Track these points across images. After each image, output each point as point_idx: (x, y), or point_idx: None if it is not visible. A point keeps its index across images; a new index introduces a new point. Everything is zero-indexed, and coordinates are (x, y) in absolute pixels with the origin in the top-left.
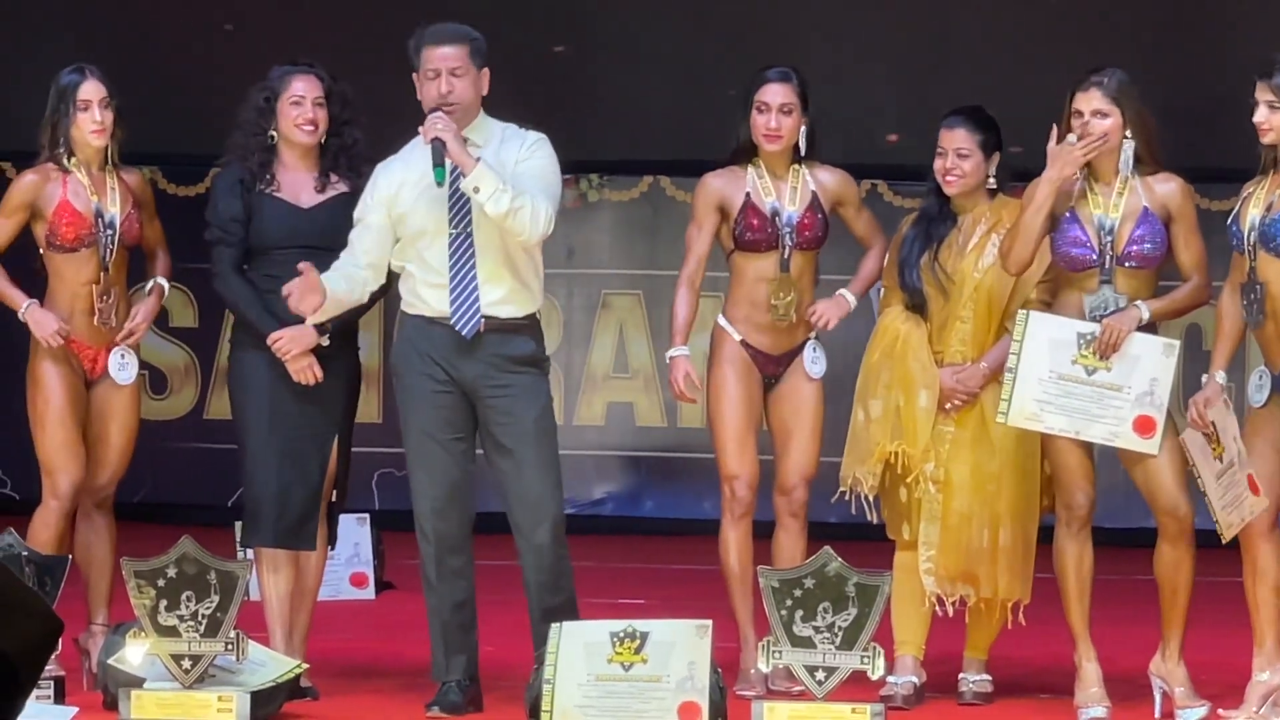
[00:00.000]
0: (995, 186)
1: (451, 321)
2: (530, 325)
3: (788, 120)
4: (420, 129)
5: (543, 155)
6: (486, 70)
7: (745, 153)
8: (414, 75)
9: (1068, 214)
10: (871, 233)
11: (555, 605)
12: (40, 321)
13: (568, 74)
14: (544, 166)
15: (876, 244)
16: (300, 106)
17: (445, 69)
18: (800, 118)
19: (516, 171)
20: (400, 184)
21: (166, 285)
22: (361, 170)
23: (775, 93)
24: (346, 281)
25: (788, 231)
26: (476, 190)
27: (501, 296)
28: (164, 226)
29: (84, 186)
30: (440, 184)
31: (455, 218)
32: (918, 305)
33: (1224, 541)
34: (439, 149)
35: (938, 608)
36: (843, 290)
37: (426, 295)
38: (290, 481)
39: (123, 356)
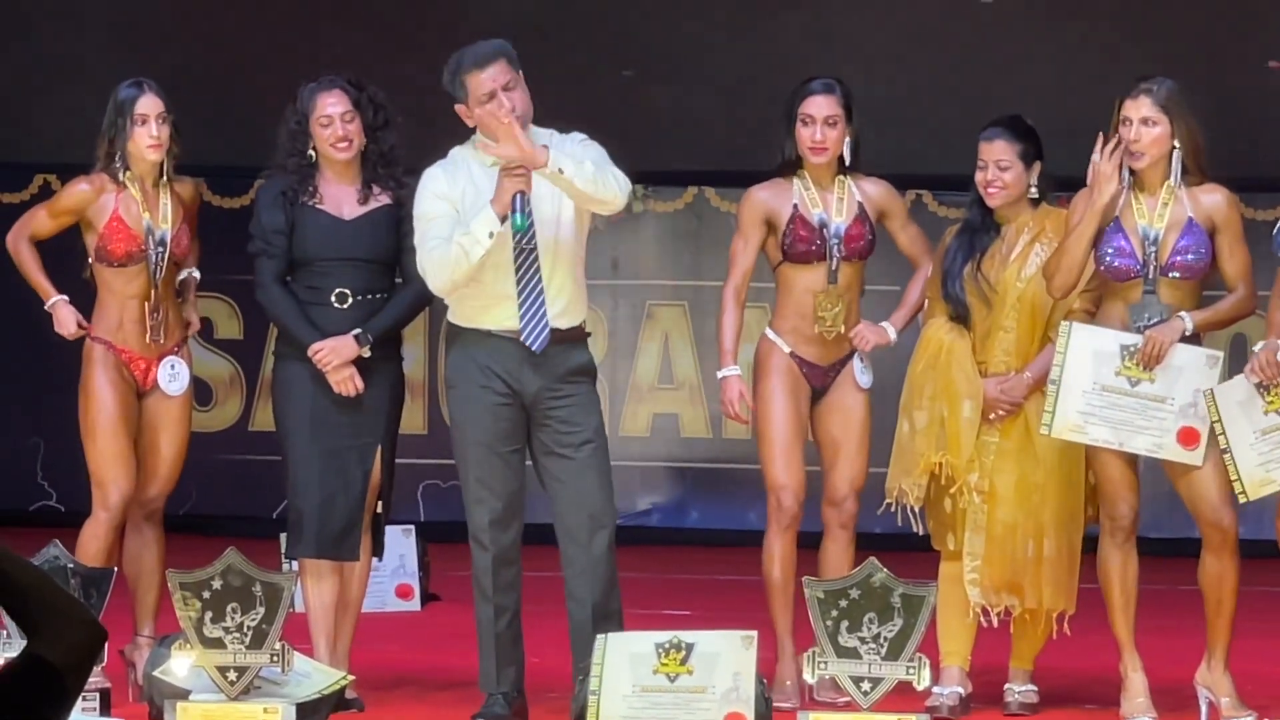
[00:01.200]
0: (1038, 196)
1: (522, 337)
2: (582, 334)
3: (832, 133)
4: (500, 170)
5: (594, 145)
6: (521, 74)
7: (791, 165)
8: (457, 108)
9: (1112, 224)
10: (918, 251)
11: (606, 615)
12: (63, 319)
13: (612, 86)
14: (600, 152)
15: (922, 265)
16: (330, 126)
17: (499, 88)
18: (845, 129)
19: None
20: (460, 195)
21: (197, 273)
22: (403, 180)
23: (819, 105)
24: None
25: (835, 243)
26: (560, 171)
27: (562, 308)
28: (209, 239)
29: (136, 202)
30: (519, 230)
31: (521, 232)
32: (961, 316)
33: (1245, 500)
34: (522, 200)
35: (982, 618)
36: (886, 323)
37: (490, 309)
38: (333, 492)
39: (173, 368)
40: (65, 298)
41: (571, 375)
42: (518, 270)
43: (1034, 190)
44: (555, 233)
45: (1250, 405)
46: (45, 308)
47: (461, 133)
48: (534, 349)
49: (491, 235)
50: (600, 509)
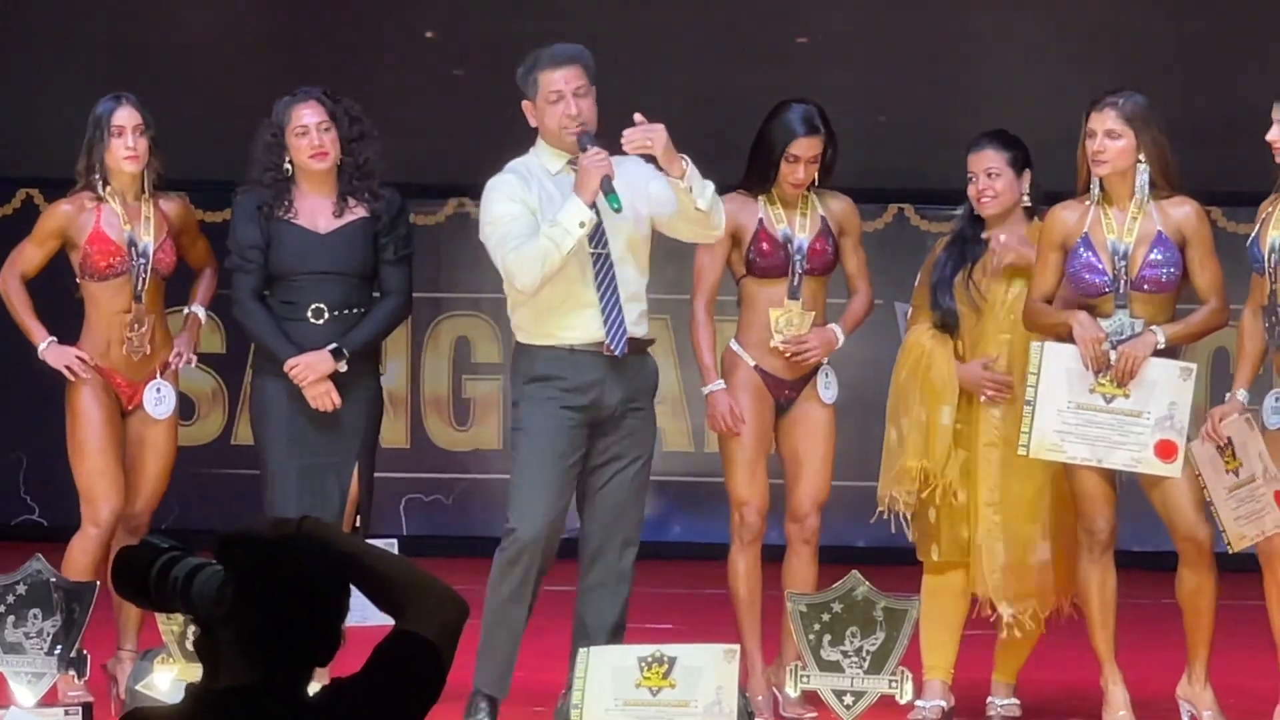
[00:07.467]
0: (1031, 205)
1: (606, 342)
2: (649, 344)
3: (814, 168)
4: (577, 164)
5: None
6: (594, 87)
7: (761, 184)
8: (524, 104)
9: (1081, 239)
10: (861, 276)
11: (619, 628)
12: (58, 356)
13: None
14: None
15: (862, 289)
16: (306, 136)
17: (569, 91)
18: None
19: (649, 190)
20: (535, 200)
21: (203, 314)
22: (379, 192)
23: (806, 147)
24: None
25: (799, 258)
26: (690, 189)
27: (636, 316)
28: None
29: (117, 215)
30: (618, 210)
31: (595, 238)
32: (949, 324)
33: (1231, 552)
34: (608, 182)
35: (1002, 631)
36: (833, 325)
37: (570, 320)
38: (310, 508)
39: (159, 391)
40: (54, 339)
41: (647, 388)
42: (596, 273)
43: (1027, 199)
44: (629, 242)
45: (1217, 464)
46: (39, 354)
47: (445, 149)
48: (616, 353)
49: (582, 225)
50: (634, 527)
